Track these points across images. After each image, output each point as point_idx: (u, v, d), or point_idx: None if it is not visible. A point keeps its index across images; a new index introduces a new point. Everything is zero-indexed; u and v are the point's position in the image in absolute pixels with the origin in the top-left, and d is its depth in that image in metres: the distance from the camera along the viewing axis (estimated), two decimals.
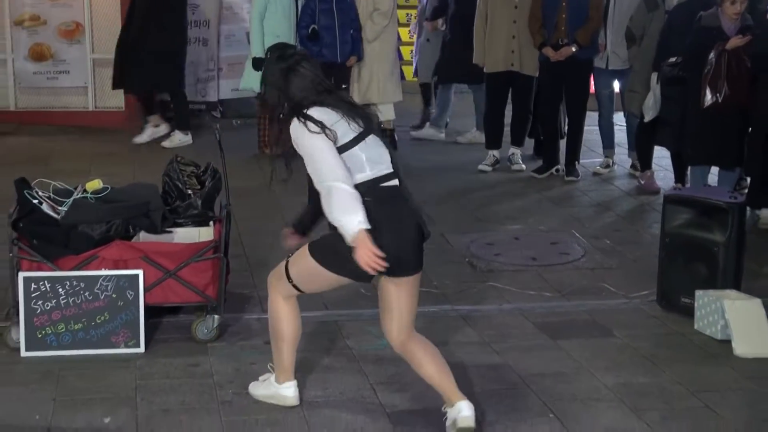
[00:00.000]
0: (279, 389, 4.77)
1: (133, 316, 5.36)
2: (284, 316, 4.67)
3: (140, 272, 5.36)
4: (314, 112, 4.44)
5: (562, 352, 5.51)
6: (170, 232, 5.63)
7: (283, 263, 4.66)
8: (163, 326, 5.71)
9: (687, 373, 5.26)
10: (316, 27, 9.64)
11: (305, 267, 4.58)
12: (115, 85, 10.21)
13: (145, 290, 5.38)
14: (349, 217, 4.25)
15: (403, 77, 10.98)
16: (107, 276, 5.34)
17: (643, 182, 8.94)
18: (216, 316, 5.54)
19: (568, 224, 7.95)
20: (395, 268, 4.33)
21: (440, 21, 10.64)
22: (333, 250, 4.45)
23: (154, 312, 5.62)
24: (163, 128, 10.37)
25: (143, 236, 5.57)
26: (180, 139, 10.18)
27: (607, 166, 9.57)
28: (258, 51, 9.71)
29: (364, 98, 9.82)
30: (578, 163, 9.43)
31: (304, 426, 4.53)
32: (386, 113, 9.95)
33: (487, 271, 6.78)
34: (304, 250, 4.60)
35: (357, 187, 4.33)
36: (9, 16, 10.61)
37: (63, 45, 10.83)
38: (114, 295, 5.34)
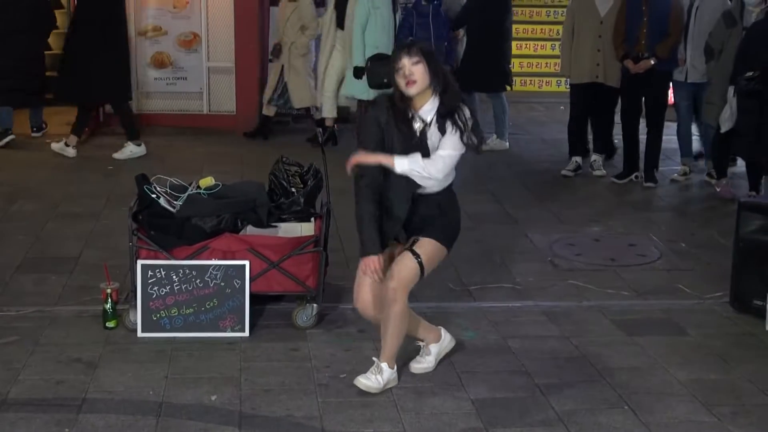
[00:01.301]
0: (392, 373, 4.80)
1: (239, 302, 5.41)
2: (408, 315, 4.85)
3: (247, 263, 5.41)
4: None
5: (638, 348, 5.43)
6: (275, 226, 5.67)
7: (414, 270, 4.75)
8: (267, 313, 5.75)
9: (758, 371, 5.14)
10: (414, 39, 9.64)
11: (436, 259, 4.85)
12: (59, 97, 9.74)
13: (251, 279, 5.43)
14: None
15: None
16: (217, 265, 5.39)
17: (719, 189, 8.77)
18: (315, 305, 5.56)
19: (646, 227, 7.83)
20: None
21: (461, 31, 10.52)
22: (456, 228, 4.89)
23: (258, 300, 5.67)
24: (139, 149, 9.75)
25: (250, 230, 5.62)
26: (131, 150, 9.60)
27: (685, 173, 9.41)
28: (359, 60, 9.75)
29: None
30: (657, 170, 9.29)
31: (393, 409, 4.53)
32: (327, 112, 10.22)
33: (568, 270, 6.71)
34: (435, 246, 4.80)
35: None
36: (134, 27, 10.79)
37: (181, 53, 11.02)
38: (222, 283, 5.40)
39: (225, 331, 5.41)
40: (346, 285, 6.27)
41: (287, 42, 10.27)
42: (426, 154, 4.71)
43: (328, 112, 10.29)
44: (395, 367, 4.82)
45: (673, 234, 7.68)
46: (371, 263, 4.74)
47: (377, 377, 4.74)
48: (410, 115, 4.73)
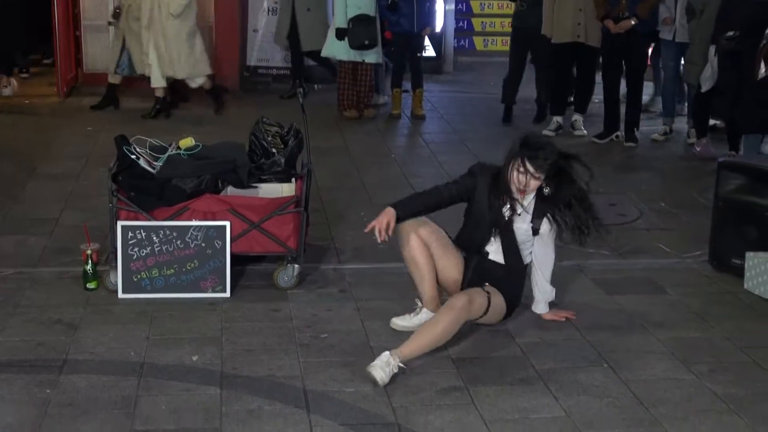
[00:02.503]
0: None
1: (220, 263, 5.40)
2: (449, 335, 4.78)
3: (227, 223, 5.40)
4: None
5: (618, 307, 5.46)
6: (255, 187, 5.65)
7: (482, 303, 4.85)
8: (247, 274, 5.75)
9: (735, 329, 5.18)
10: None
11: (496, 314, 4.97)
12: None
13: (232, 240, 5.42)
14: None
15: None
16: (197, 226, 5.38)
17: (698, 149, 8.80)
18: (296, 266, 5.56)
19: (626, 187, 7.86)
20: None
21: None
22: (514, 305, 5.12)
23: (239, 260, 5.67)
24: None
25: (231, 190, 5.60)
26: None
27: (665, 133, 9.43)
28: (341, 21, 9.71)
29: (169, 73, 9.67)
30: (637, 129, 9.31)
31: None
32: (199, 81, 9.90)
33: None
34: (501, 302, 4.97)
35: None
36: None
37: None
38: (203, 244, 5.39)
39: (206, 292, 5.40)
40: (327, 245, 6.29)
41: (125, 4, 9.76)
42: (509, 234, 4.92)
43: (156, 82, 9.73)
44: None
45: (653, 194, 7.70)
46: (385, 217, 4.83)
47: (387, 370, 4.49)
48: (505, 199, 4.90)
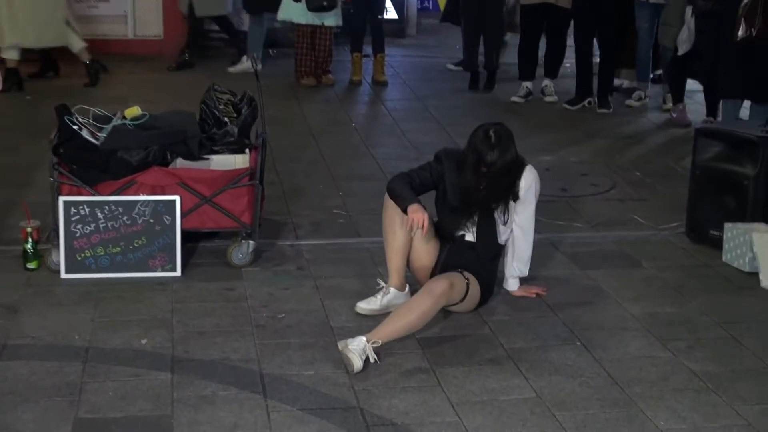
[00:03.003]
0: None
1: (170, 240, 5.37)
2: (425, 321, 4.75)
3: (177, 198, 5.37)
4: None
5: (591, 282, 5.49)
6: (207, 159, 5.61)
7: (461, 287, 4.88)
8: (199, 251, 5.73)
9: (713, 304, 5.22)
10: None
11: (471, 302, 4.99)
12: None
13: (182, 215, 5.39)
14: None
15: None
16: (145, 201, 5.35)
17: (674, 115, 8.85)
18: (251, 242, 5.55)
19: (599, 156, 7.89)
20: None
21: None
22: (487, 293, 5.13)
23: (190, 237, 5.64)
24: None
25: (180, 163, 5.56)
26: None
27: (640, 98, 9.48)
28: None
29: (38, 42, 9.43)
30: (611, 95, 9.34)
31: (335, 350, 4.54)
32: (76, 45, 9.64)
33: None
34: (477, 289, 4.98)
35: None
36: None
37: None
38: (151, 220, 5.35)
39: (155, 271, 5.38)
40: (283, 220, 6.27)
41: None
42: (487, 214, 4.97)
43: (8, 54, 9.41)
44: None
45: (627, 162, 7.74)
46: (418, 213, 4.78)
47: (363, 357, 4.46)
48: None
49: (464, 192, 4.91)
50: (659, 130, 8.75)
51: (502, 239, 5.08)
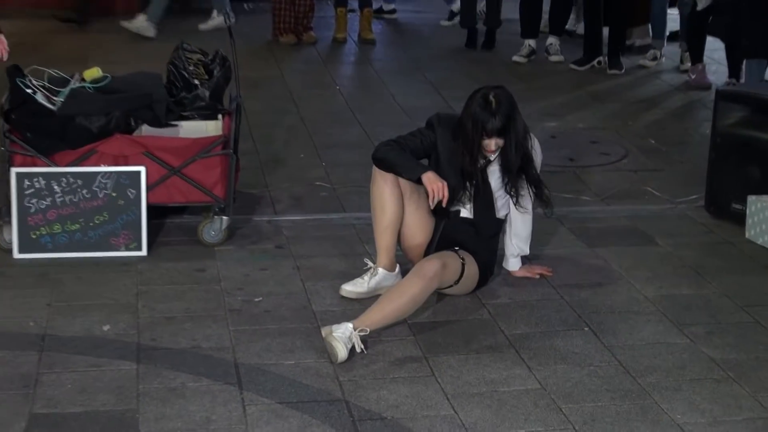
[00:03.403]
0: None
1: (135, 216, 5.36)
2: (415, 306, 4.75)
3: (142, 169, 5.35)
4: None
5: (600, 261, 5.50)
6: (175, 125, 5.60)
7: (456, 268, 4.88)
8: (167, 228, 5.72)
9: (735, 285, 5.23)
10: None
11: (467, 285, 5.01)
12: None
13: (148, 188, 5.38)
14: None
15: None
16: (106, 173, 5.33)
17: (693, 76, 8.84)
18: (224, 218, 5.54)
19: (610, 122, 7.89)
20: None
21: None
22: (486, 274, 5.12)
23: (157, 212, 5.63)
24: None
25: (146, 130, 5.55)
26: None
27: (655, 58, 9.47)
28: None
29: None
30: (622, 54, 9.33)
31: (318, 337, 4.54)
32: None
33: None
34: (475, 271, 4.99)
35: None
36: None
37: None
38: (114, 194, 5.34)
39: (118, 250, 5.37)
40: (260, 194, 6.26)
41: None
42: (485, 185, 4.97)
43: None
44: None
45: (641, 129, 7.74)
46: (437, 182, 4.80)
47: (349, 346, 4.44)
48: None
49: (461, 163, 4.90)
50: (676, 93, 8.74)
51: (501, 213, 5.08)
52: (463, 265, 4.89)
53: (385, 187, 4.92)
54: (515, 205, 5.06)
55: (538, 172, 5.06)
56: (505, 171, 4.95)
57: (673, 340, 4.69)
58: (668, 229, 5.94)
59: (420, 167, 4.87)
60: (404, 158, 4.88)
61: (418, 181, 4.86)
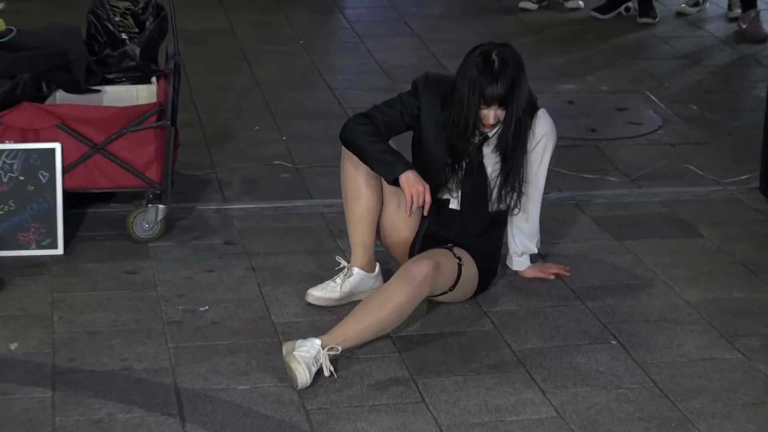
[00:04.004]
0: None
1: (48, 205, 5.36)
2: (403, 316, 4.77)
3: (57, 146, 5.34)
4: None
5: (630, 257, 5.52)
6: (98, 91, 5.60)
7: (452, 269, 4.89)
8: (89, 220, 5.72)
9: None
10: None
11: (466, 288, 5.01)
12: None
13: (64, 171, 5.37)
14: None
15: None
16: (12, 151, 5.32)
17: (744, 26, 8.86)
18: (160, 207, 5.53)
19: (641, 83, 7.91)
20: None
21: None
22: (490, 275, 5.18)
23: (76, 200, 5.63)
24: None
25: (61, 97, 5.54)
26: None
27: (697, 3, 9.48)
28: None
29: None
30: None
31: (278, 352, 4.54)
32: None
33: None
34: (474, 271, 5.01)
35: None
36: None
37: None
38: (21, 178, 5.33)
39: (28, 248, 5.38)
40: (205, 176, 6.25)
41: None
42: (480, 169, 4.93)
43: None
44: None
45: (680, 92, 7.76)
46: (417, 185, 4.79)
47: (314, 368, 4.45)
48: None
49: (449, 138, 4.89)
50: (723, 47, 8.76)
51: (494, 207, 5.05)
52: (459, 265, 4.89)
53: (357, 171, 4.92)
54: (512, 208, 5.06)
55: (544, 170, 5.06)
56: (503, 156, 4.94)
57: (722, 356, 4.71)
58: (714, 216, 5.96)
59: (398, 163, 4.83)
60: (378, 148, 4.85)
61: (395, 183, 4.84)
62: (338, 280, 5.02)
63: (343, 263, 5.08)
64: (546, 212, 5.42)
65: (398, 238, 5.06)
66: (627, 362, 4.65)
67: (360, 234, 5.01)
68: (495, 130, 4.89)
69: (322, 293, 5.02)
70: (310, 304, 5.01)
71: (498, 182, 4.98)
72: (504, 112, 4.82)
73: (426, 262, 4.74)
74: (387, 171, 4.83)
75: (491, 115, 4.81)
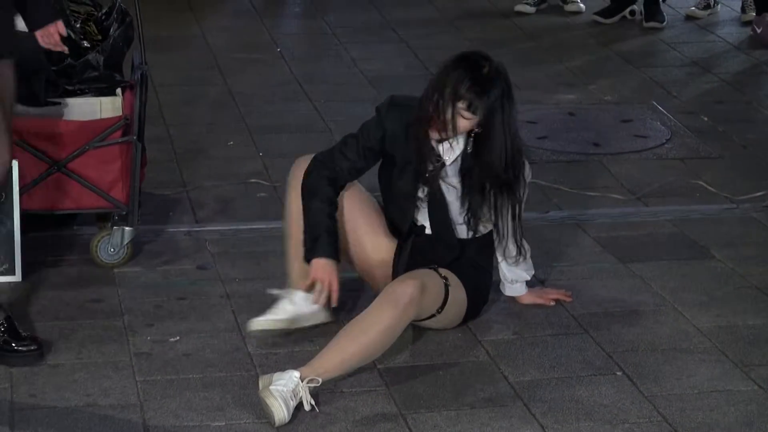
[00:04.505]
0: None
1: (5, 228, 5.36)
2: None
3: (14, 163, 5.34)
4: None
5: (637, 281, 5.54)
6: (58, 103, 5.60)
7: (439, 289, 4.90)
8: (49, 243, 5.72)
9: None
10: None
11: (453, 314, 5.01)
12: None
13: (22, 191, 5.37)
14: None
15: None
16: None
17: (759, 30, 8.89)
18: (126, 229, 5.53)
19: (648, 93, 7.92)
20: None
21: None
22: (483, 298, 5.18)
23: (35, 223, 5.63)
24: None
25: (19, 110, 5.53)
26: None
27: (708, 6, 9.51)
28: None
29: None
30: (663, 1, 9.38)
31: (255, 386, 4.55)
32: None
33: (528, 162, 6.77)
34: (462, 295, 5.01)
35: None
36: None
37: None
38: None
39: None
40: (176, 196, 6.26)
41: None
42: (439, 206, 4.96)
43: None
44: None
45: (689, 102, 7.78)
46: (322, 274, 4.84)
47: (292, 403, 4.45)
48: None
49: (416, 162, 4.93)
50: (736, 53, 8.78)
51: (461, 234, 5.06)
52: (446, 285, 4.91)
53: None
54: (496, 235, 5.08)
55: (520, 207, 5.05)
56: (465, 182, 4.95)
57: (736, 387, 4.72)
58: (727, 237, 5.98)
59: (322, 246, 4.86)
60: (319, 219, 4.89)
61: (308, 261, 4.90)
62: (284, 304, 5.00)
63: (278, 291, 5.07)
64: (545, 233, 5.46)
65: (375, 260, 5.07)
66: (633, 395, 4.66)
67: (299, 262, 4.98)
68: (454, 158, 4.92)
69: (268, 317, 4.97)
70: (263, 332, 4.99)
71: (463, 210, 4.99)
72: (478, 120, 4.79)
73: (411, 282, 4.75)
74: (309, 245, 4.88)
75: (466, 116, 4.78)
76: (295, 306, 5.00)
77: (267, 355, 4.87)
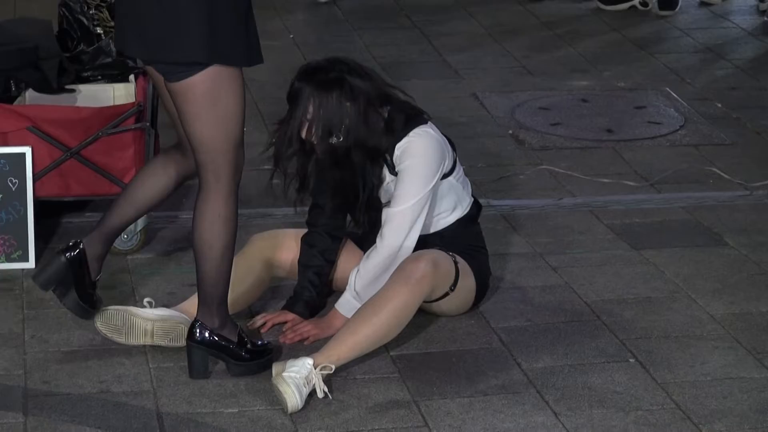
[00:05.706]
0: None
1: (18, 215, 5.38)
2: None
3: (27, 150, 5.36)
4: None
5: (650, 268, 5.54)
6: (72, 90, 5.61)
7: (449, 267, 4.87)
8: (63, 230, 5.74)
9: None
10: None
11: (463, 298, 5.01)
12: None
13: (35, 177, 5.39)
14: None
15: None
16: None
17: None
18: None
19: (661, 79, 7.91)
20: None
21: None
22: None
23: (49, 209, 5.65)
24: None
25: (31, 96, 5.56)
26: None
27: None
28: None
29: None
30: None
31: (268, 372, 4.56)
32: None
33: (540, 148, 6.77)
34: (472, 278, 5.00)
35: None
36: None
37: None
38: None
39: None
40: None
41: None
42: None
43: None
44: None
45: (703, 88, 7.77)
46: (285, 314, 4.98)
47: (306, 390, 4.45)
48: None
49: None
50: (751, 40, 8.77)
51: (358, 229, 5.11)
52: (456, 264, 4.90)
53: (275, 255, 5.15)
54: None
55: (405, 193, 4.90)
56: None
57: (750, 374, 4.73)
58: (741, 224, 5.98)
59: (291, 298, 5.03)
60: (306, 273, 5.02)
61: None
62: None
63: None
64: (558, 219, 5.46)
65: (348, 269, 5.04)
66: (646, 382, 4.66)
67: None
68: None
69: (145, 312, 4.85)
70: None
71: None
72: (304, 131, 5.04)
73: (423, 258, 4.73)
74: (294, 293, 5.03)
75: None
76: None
77: (283, 345, 4.88)
